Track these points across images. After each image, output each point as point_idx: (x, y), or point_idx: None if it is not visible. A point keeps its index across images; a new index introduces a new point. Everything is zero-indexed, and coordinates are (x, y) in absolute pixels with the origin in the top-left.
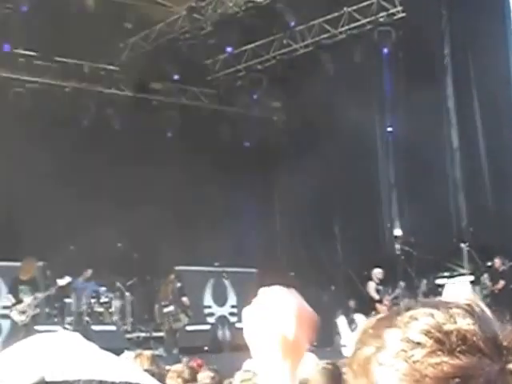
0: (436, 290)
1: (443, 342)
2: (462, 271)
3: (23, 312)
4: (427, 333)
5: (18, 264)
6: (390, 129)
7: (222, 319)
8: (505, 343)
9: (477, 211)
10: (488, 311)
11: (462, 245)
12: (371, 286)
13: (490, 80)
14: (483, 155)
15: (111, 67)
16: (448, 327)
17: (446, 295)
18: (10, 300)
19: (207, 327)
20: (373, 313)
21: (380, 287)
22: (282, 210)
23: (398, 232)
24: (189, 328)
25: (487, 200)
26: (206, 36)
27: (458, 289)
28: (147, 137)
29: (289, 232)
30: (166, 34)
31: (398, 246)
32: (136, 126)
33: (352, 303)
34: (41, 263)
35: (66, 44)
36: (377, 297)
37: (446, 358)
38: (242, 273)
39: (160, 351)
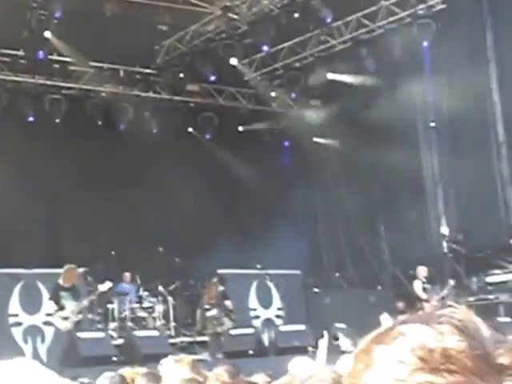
0: (486, 289)
1: (427, 360)
2: None
3: (66, 318)
4: (412, 350)
5: (59, 271)
6: (432, 124)
7: (268, 322)
8: (500, 361)
9: None
10: (484, 327)
11: None
12: (418, 285)
13: None
14: None
15: (147, 70)
16: (433, 345)
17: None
18: (52, 307)
19: (251, 331)
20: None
21: (427, 286)
22: (325, 209)
23: (444, 230)
24: (233, 332)
25: None
26: (241, 35)
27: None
28: (185, 139)
29: (333, 232)
30: (201, 35)
31: (445, 244)
32: (173, 128)
33: (400, 304)
34: (82, 270)
35: (101, 49)
36: (424, 296)
37: (429, 377)
38: (285, 275)
39: (204, 356)
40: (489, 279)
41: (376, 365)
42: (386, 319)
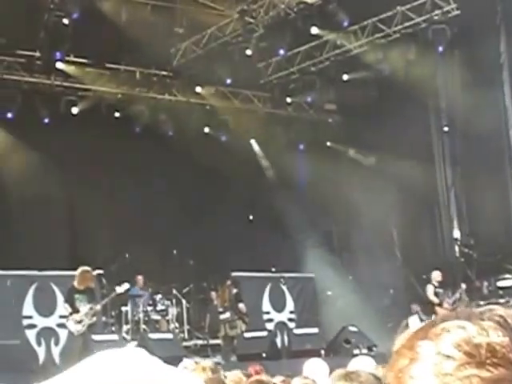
0: (497, 293)
1: (473, 355)
2: None
3: (79, 321)
4: (458, 346)
5: (73, 273)
6: (446, 128)
7: (281, 325)
8: None
9: None
10: None
11: None
12: (430, 290)
13: None
14: None
15: (163, 73)
16: (478, 340)
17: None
18: (66, 310)
19: (265, 334)
20: (433, 316)
21: (439, 290)
22: (336, 213)
23: (456, 234)
24: (246, 335)
25: None
26: (258, 39)
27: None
28: (201, 142)
29: (346, 236)
30: (218, 38)
31: (457, 249)
32: (189, 131)
33: (414, 307)
34: (96, 272)
35: (117, 50)
36: (436, 300)
37: (475, 371)
38: (299, 278)
39: (218, 358)
40: (500, 283)
41: (422, 359)
42: (414, 322)
